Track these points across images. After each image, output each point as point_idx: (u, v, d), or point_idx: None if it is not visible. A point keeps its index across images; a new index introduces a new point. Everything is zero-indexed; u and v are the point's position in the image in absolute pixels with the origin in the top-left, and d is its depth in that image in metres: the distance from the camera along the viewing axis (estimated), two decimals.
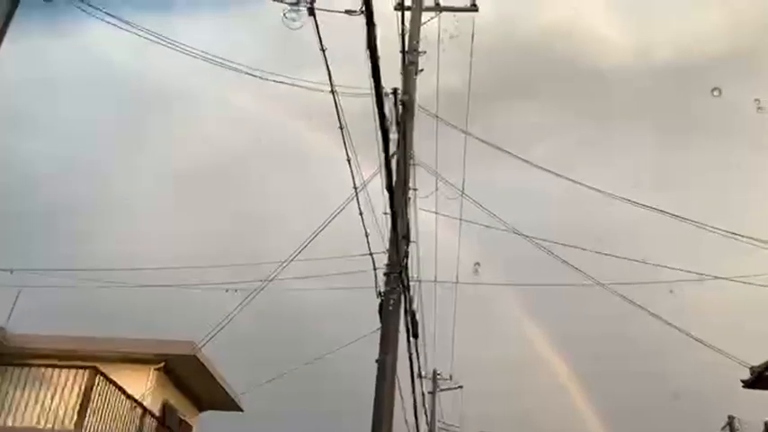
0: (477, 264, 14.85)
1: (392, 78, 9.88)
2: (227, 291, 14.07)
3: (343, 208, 9.73)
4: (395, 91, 9.33)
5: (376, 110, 7.61)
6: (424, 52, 10.52)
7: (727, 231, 9.68)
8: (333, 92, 6.89)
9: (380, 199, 9.63)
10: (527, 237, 10.86)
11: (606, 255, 10.88)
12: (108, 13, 6.90)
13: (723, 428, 27.76)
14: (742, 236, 9.54)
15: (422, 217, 11.39)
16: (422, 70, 10.16)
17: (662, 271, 11.96)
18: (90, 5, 6.79)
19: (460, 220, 12.07)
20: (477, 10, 12.77)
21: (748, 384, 15.50)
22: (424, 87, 10.48)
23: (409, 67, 9.97)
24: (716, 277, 10.46)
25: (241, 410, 20.05)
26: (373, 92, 7.40)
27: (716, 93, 9.65)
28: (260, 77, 8.10)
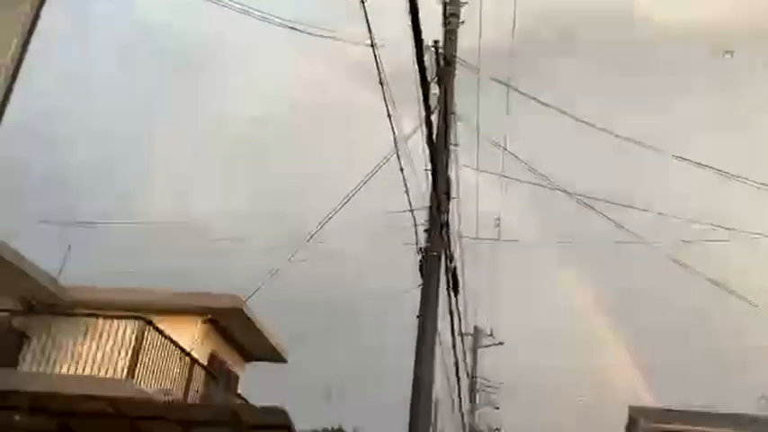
0: (498, 219, 14.77)
1: (435, 32, 9.71)
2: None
3: (384, 163, 9.70)
4: (436, 44, 9.16)
5: (416, 64, 7.52)
6: (466, 3, 10.26)
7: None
8: (372, 45, 6.82)
9: (422, 156, 9.57)
10: (569, 193, 10.70)
11: (649, 212, 10.66)
12: None
13: (760, 399, 27.21)
14: None
15: (463, 173, 11.29)
16: (463, 22, 9.91)
17: (708, 231, 11.68)
18: None
19: (502, 176, 11.92)
20: None
21: None
22: (467, 40, 10.25)
23: (450, 19, 9.75)
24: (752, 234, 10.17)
25: (285, 362, 20.61)
26: (414, 45, 7.30)
27: (727, 56, 9.09)
28: (299, 30, 8.04)
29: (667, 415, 25.94)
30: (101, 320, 13.95)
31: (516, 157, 10.95)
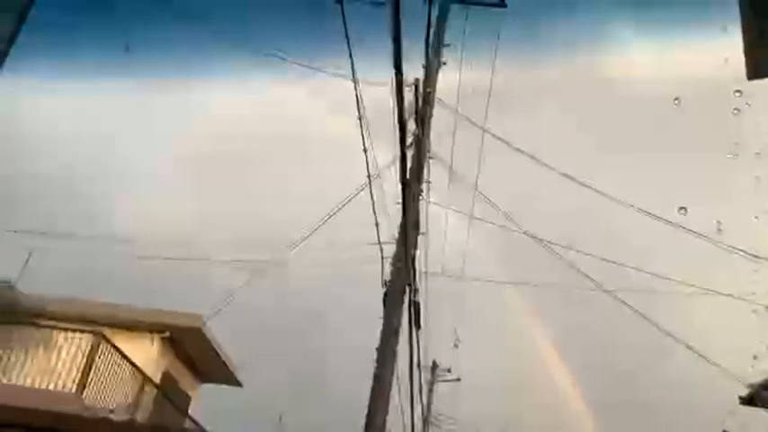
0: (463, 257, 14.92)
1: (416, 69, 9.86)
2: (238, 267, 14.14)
3: (356, 195, 9.78)
4: (416, 82, 9.32)
5: (395, 101, 7.63)
6: (449, 45, 10.47)
7: (729, 246, 9.67)
8: (354, 81, 6.92)
9: (394, 190, 9.66)
10: (536, 238, 10.88)
11: (610, 262, 10.89)
12: None
13: None
14: (741, 250, 9.52)
15: (432, 211, 11.41)
16: (445, 63, 10.11)
17: (668, 282, 11.93)
18: None
19: (471, 217, 12.07)
20: (505, 6, 12.52)
21: (746, 401, 15.47)
22: (447, 81, 10.44)
23: (432, 60, 9.94)
24: (707, 290, 10.45)
25: (240, 385, 20.28)
26: (394, 83, 7.42)
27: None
28: (281, 58, 8.13)
29: None
30: (55, 332, 13.64)
31: (486, 198, 11.12)
